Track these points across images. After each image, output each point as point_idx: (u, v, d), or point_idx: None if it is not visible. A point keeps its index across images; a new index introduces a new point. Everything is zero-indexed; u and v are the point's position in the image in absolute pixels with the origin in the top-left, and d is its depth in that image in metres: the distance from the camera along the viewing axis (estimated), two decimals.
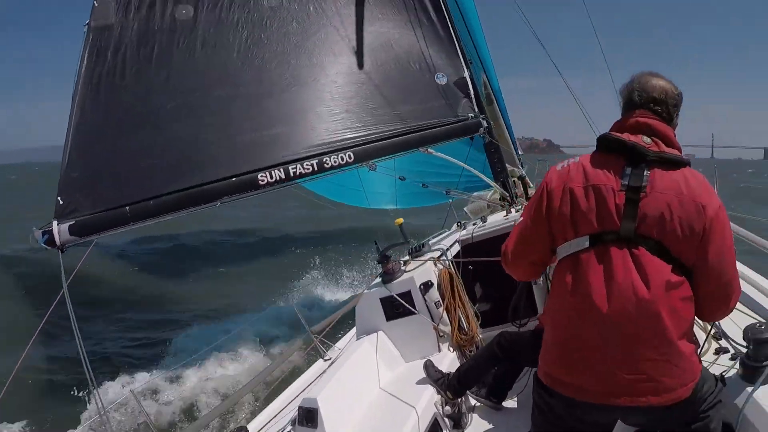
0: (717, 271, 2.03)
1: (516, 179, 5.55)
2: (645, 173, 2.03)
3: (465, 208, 5.69)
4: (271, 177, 4.66)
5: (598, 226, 2.05)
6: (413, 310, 3.82)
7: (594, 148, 2.24)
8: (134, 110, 5.25)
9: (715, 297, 2.09)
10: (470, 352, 3.91)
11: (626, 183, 2.04)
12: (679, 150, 2.15)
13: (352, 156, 4.41)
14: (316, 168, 4.45)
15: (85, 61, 5.24)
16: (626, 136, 2.12)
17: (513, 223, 4.25)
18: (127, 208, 4.82)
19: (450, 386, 3.39)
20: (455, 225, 5.22)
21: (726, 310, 2.18)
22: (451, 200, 4.89)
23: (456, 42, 4.68)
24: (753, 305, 3.22)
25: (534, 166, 7.25)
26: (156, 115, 5.19)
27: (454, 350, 3.86)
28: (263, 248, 16.06)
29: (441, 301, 3.86)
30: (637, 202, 2.01)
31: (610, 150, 2.14)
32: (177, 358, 8.40)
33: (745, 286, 3.26)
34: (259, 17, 5.04)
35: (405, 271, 4.00)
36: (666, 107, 2.16)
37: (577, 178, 2.12)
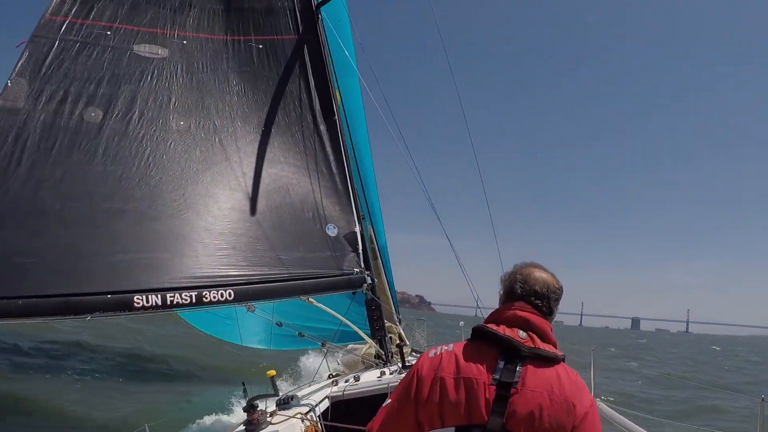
0: None
1: (393, 336, 5.65)
2: (518, 369, 2.04)
3: (338, 359, 5.69)
4: (147, 301, 4.53)
5: (465, 420, 2.03)
6: None
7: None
8: (19, 203, 5.08)
9: None
10: None
11: (497, 377, 2.03)
12: (555, 345, 2.19)
13: (232, 294, 4.40)
14: (194, 300, 4.40)
15: None
16: (502, 329, 2.13)
17: (386, 385, 4.28)
18: None
19: None
20: (327, 376, 5.21)
21: None
22: (325, 350, 4.91)
23: (352, 196, 4.88)
24: None
25: (412, 324, 7.38)
26: (41, 213, 5.02)
27: None
28: (130, 365, 14.52)
29: None
30: (507, 399, 2.01)
31: (484, 341, 2.15)
32: None
33: None
34: (164, 137, 5.07)
35: (270, 423, 3.91)
36: (547, 301, 2.18)
37: (448, 369, 2.11)
